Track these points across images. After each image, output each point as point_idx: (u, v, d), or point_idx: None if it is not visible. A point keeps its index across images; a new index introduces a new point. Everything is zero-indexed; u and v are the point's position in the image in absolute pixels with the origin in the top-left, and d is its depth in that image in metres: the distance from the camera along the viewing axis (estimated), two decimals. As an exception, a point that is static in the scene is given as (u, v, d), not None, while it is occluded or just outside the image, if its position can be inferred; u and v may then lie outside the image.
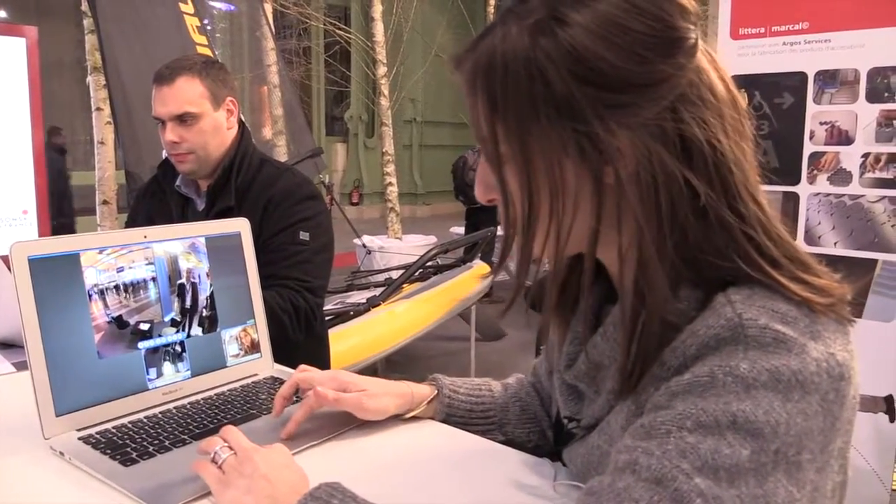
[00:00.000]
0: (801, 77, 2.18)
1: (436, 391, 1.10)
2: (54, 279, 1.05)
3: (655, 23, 0.65)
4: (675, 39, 0.66)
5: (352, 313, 3.48)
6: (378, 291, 3.90)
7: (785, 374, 0.60)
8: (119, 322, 1.13)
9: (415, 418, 1.10)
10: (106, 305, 1.12)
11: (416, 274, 4.22)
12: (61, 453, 0.99)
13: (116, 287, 1.13)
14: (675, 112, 0.66)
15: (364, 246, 6.42)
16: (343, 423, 1.08)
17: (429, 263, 4.29)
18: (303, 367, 1.15)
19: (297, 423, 1.05)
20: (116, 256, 1.14)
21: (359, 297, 3.97)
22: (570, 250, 0.73)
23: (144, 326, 1.17)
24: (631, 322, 0.69)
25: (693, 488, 0.57)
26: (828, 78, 2.14)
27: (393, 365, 4.43)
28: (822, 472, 0.61)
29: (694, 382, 0.62)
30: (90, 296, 1.10)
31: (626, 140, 0.66)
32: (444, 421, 1.09)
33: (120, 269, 1.15)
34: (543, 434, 1.08)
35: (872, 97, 2.07)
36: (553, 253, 0.71)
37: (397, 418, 1.09)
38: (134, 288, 1.16)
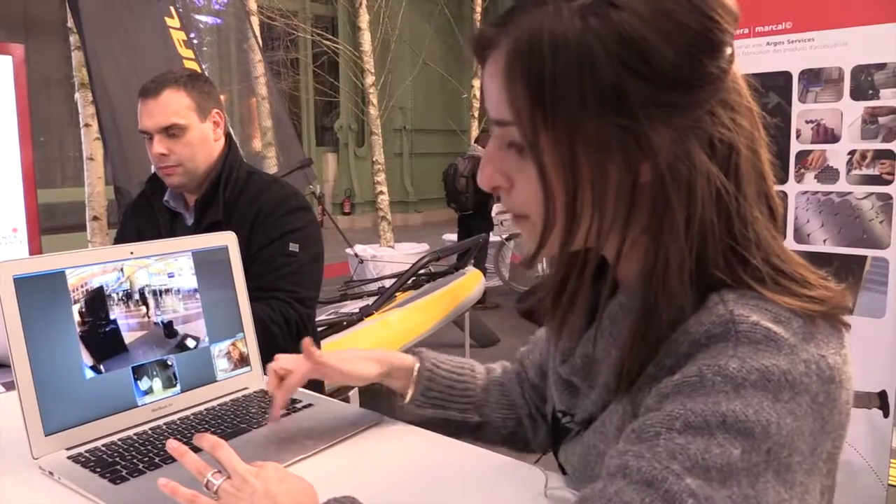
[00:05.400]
0: (786, 76, 2.19)
1: (417, 363, 1.09)
2: (40, 298, 1.04)
3: (707, 21, 0.64)
4: (721, 42, 0.65)
5: (345, 323, 3.46)
6: (371, 301, 3.89)
7: (775, 373, 0.59)
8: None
9: (409, 426, 1.09)
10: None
11: (409, 282, 4.21)
12: (51, 473, 0.98)
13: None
14: (714, 116, 0.65)
15: (356, 255, 6.41)
16: (336, 435, 1.07)
17: (421, 271, 4.28)
18: (277, 356, 1.14)
19: (280, 406, 1.09)
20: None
21: (352, 306, 3.96)
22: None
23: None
24: (637, 322, 0.68)
25: (684, 488, 0.57)
26: (812, 77, 2.15)
27: (388, 374, 4.42)
28: (811, 474, 0.61)
29: (683, 383, 0.62)
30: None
31: (669, 140, 0.64)
32: (422, 395, 1.07)
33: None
34: (520, 422, 1.07)
35: (857, 95, 2.08)
36: (594, 249, 0.70)
37: (390, 426, 1.09)
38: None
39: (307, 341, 1.07)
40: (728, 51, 0.66)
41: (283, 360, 1.11)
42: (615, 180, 0.66)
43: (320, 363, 1.07)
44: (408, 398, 1.08)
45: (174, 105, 1.78)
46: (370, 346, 3.32)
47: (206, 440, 0.86)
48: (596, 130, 0.64)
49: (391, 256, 6.87)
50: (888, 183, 2.04)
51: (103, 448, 1.05)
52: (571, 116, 0.64)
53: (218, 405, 1.21)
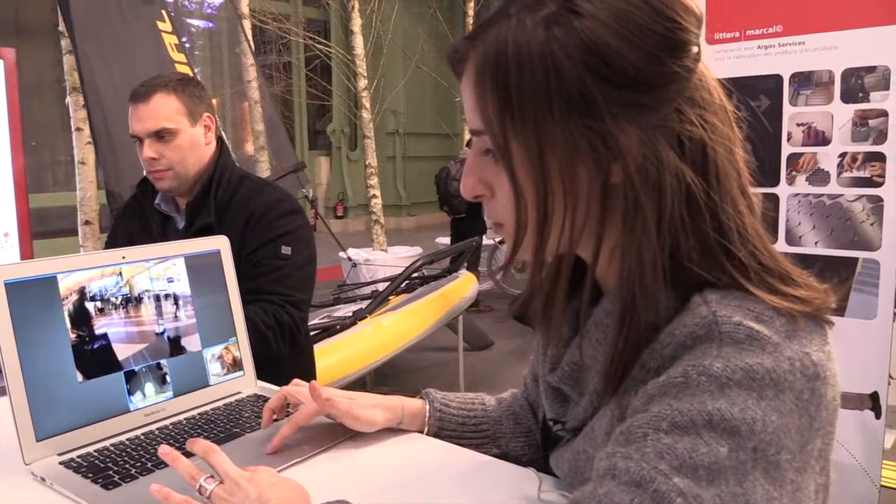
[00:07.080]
0: (777, 79, 2.20)
1: (427, 405, 1.10)
2: (32, 303, 1.04)
3: (669, 23, 0.65)
4: (685, 42, 0.66)
5: (338, 327, 3.46)
6: (364, 304, 3.89)
7: (759, 372, 0.60)
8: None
9: (402, 430, 1.09)
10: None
11: (403, 286, 4.21)
12: (43, 478, 0.98)
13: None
14: (681, 114, 0.66)
15: (349, 259, 6.40)
16: (329, 439, 1.07)
17: (415, 275, 4.29)
18: (295, 381, 1.15)
19: (283, 438, 1.04)
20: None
21: (345, 310, 3.96)
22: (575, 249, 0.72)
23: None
24: (619, 321, 0.69)
25: (672, 488, 0.57)
26: (803, 80, 2.16)
27: (381, 378, 4.42)
28: (803, 472, 0.61)
29: (668, 383, 0.63)
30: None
31: (636, 140, 0.65)
32: (435, 434, 1.08)
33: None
34: (539, 447, 1.07)
35: (847, 98, 2.09)
36: (566, 252, 0.71)
37: (384, 430, 1.09)
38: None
39: (314, 384, 1.06)
40: (694, 50, 0.67)
41: (297, 390, 1.11)
42: (585, 182, 0.67)
43: (330, 405, 1.05)
44: None
45: (164, 109, 1.78)
46: (364, 349, 3.32)
47: (199, 445, 0.86)
48: (564, 134, 0.66)
49: (384, 260, 6.87)
50: (879, 185, 2.05)
51: (95, 453, 1.04)
52: (539, 123, 0.66)
53: (211, 410, 1.20)
